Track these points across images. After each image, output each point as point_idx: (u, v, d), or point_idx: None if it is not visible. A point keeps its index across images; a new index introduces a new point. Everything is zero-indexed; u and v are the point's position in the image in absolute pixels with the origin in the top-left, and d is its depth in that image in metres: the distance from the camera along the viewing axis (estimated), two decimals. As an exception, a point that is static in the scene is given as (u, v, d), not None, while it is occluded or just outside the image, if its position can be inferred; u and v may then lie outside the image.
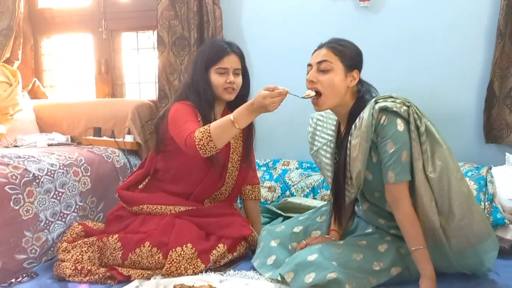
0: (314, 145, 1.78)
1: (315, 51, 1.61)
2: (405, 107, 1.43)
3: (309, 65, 1.60)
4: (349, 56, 1.56)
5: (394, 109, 1.42)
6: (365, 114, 1.45)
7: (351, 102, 1.58)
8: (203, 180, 1.89)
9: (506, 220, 1.87)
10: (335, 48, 1.56)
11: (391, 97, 1.47)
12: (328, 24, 2.56)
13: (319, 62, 1.55)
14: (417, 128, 1.43)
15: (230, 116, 1.59)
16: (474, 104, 2.40)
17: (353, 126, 1.51)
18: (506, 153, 2.12)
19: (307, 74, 1.60)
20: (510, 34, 2.23)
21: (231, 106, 1.88)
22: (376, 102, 1.45)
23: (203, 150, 1.60)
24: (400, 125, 1.42)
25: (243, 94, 1.91)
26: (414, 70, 2.42)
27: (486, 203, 1.90)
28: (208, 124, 1.63)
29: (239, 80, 1.86)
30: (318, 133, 1.77)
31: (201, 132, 1.60)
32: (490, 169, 2.15)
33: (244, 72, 1.91)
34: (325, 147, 1.70)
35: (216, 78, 1.82)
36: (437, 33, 2.42)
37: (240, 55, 1.87)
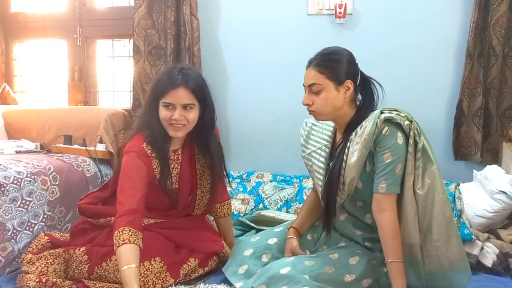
0: (307, 148, 1.78)
1: (306, 69, 1.60)
2: (408, 122, 1.47)
3: (303, 85, 1.62)
4: (337, 70, 1.54)
5: (399, 121, 1.46)
6: (369, 122, 1.48)
7: (351, 112, 1.59)
8: (170, 210, 1.83)
9: (473, 236, 1.91)
10: (321, 66, 1.54)
11: (396, 110, 1.51)
12: (304, 39, 2.59)
13: (310, 85, 1.57)
14: (415, 143, 1.47)
15: (124, 266, 1.43)
16: (443, 122, 2.47)
17: (353, 133, 1.53)
18: (474, 170, 2.18)
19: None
20: (479, 55, 2.31)
21: (193, 136, 1.79)
22: (381, 113, 1.49)
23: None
24: (400, 138, 1.46)
25: (206, 127, 1.76)
26: (386, 87, 2.43)
27: (454, 219, 1.95)
28: (123, 241, 1.47)
29: (190, 115, 1.66)
30: (312, 137, 1.77)
31: (115, 240, 1.49)
32: (458, 185, 2.20)
33: (204, 105, 1.73)
34: (319, 151, 1.71)
35: (162, 112, 1.66)
36: (409, 52, 2.48)
37: (193, 88, 1.65)
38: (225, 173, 1.88)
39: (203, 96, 1.71)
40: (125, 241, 1.47)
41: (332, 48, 1.60)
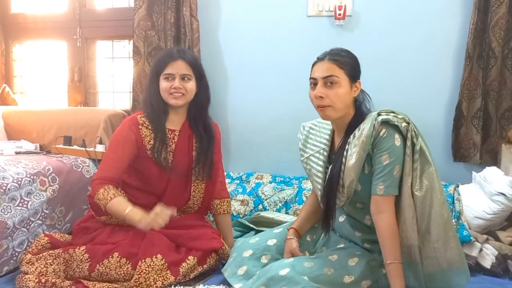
0: (305, 152, 1.77)
1: (316, 63, 1.59)
2: (405, 124, 1.47)
3: (313, 78, 1.58)
4: (352, 67, 1.56)
5: (396, 123, 1.46)
6: (367, 125, 1.48)
7: (351, 113, 1.59)
8: (165, 190, 1.87)
9: (472, 237, 1.91)
10: (338, 60, 1.54)
11: (393, 112, 1.51)
12: (303, 41, 2.60)
13: (325, 77, 1.54)
14: (413, 145, 1.47)
15: (127, 210, 1.67)
16: (443, 123, 2.47)
17: (351, 136, 1.53)
18: (473, 172, 2.18)
19: (311, 87, 1.58)
20: (478, 57, 2.31)
21: (190, 116, 1.91)
22: (379, 115, 1.49)
23: (97, 201, 1.73)
24: (398, 140, 1.46)
25: (202, 102, 1.90)
26: (385, 88, 2.47)
27: (453, 220, 1.95)
28: (113, 195, 1.70)
29: (188, 85, 1.82)
30: (310, 140, 1.77)
31: (102, 196, 1.70)
32: (457, 187, 2.21)
33: (200, 79, 1.88)
34: (317, 155, 1.70)
35: (163, 84, 1.82)
36: (408, 54, 2.49)
37: (190, 61, 1.84)
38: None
39: (199, 71, 1.87)
40: (115, 195, 1.71)
41: (343, 48, 1.60)
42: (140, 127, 1.83)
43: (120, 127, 1.86)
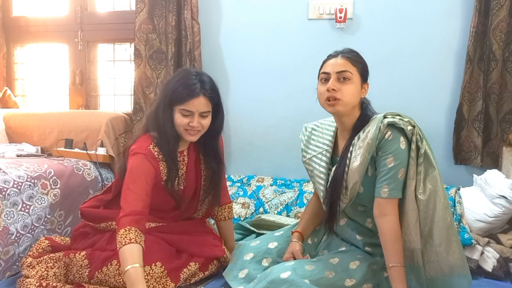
0: (307, 153, 1.77)
1: (328, 60, 1.60)
2: (410, 127, 1.48)
3: (325, 73, 1.57)
4: (363, 67, 1.59)
5: (402, 126, 1.46)
6: (372, 127, 1.48)
7: (357, 114, 1.60)
8: (174, 211, 1.84)
9: (473, 240, 1.91)
10: (351, 58, 1.57)
11: (398, 115, 1.51)
12: (304, 44, 2.60)
13: (340, 72, 1.54)
14: (418, 149, 1.47)
15: (128, 266, 1.44)
16: (444, 126, 2.47)
17: (356, 138, 1.53)
18: (474, 175, 2.18)
19: (321, 83, 1.58)
20: (479, 59, 2.31)
21: (201, 141, 1.81)
22: (385, 117, 1.50)
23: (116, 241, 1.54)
24: (403, 143, 1.47)
25: (215, 132, 1.81)
26: (386, 91, 2.47)
27: (454, 224, 1.94)
28: (129, 240, 1.48)
29: (205, 122, 1.71)
30: (312, 141, 1.77)
31: (120, 238, 1.49)
32: (459, 190, 2.20)
33: (217, 110, 1.77)
34: (320, 156, 1.70)
35: (178, 118, 1.68)
36: (409, 56, 2.49)
37: (210, 95, 1.69)
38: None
39: (216, 103, 1.75)
40: (131, 241, 1.48)
41: (353, 50, 1.62)
42: (158, 161, 1.71)
43: (138, 160, 1.67)
